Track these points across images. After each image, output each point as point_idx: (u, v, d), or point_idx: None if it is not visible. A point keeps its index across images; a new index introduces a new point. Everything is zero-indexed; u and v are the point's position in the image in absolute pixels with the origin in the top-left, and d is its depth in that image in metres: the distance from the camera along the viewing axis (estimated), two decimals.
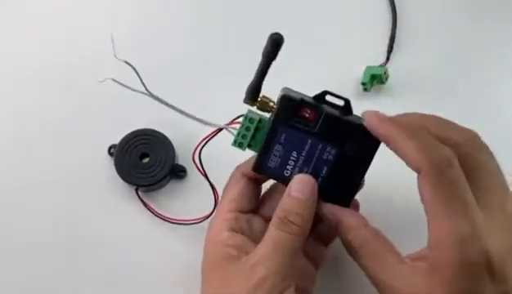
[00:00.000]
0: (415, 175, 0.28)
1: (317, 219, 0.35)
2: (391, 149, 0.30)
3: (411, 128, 0.30)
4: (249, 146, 0.33)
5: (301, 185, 0.32)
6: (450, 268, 0.28)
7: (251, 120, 0.33)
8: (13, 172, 0.42)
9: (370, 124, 0.31)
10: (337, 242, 0.40)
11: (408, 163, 0.29)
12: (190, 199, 0.41)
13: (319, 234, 0.37)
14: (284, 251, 0.31)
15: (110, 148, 0.42)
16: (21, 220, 0.41)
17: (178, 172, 0.41)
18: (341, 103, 0.32)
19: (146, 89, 0.34)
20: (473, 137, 0.31)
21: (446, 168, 0.28)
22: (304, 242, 0.32)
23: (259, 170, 0.33)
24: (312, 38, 0.46)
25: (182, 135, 0.41)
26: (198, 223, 0.38)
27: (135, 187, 0.40)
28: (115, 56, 0.34)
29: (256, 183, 0.36)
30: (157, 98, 0.34)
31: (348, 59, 0.45)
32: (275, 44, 0.31)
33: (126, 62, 0.34)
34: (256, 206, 0.36)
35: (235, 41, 0.46)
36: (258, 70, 0.32)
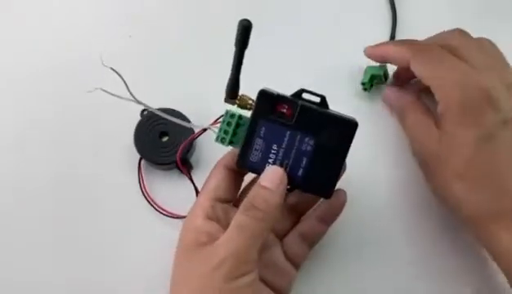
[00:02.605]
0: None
1: (298, 217, 0.37)
2: (390, 62, 0.40)
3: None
4: (231, 143, 0.34)
5: (270, 175, 0.33)
6: (455, 106, 0.34)
7: (232, 116, 0.34)
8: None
9: (368, 50, 0.41)
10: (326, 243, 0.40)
11: (400, 61, 0.38)
12: (181, 194, 0.41)
13: (301, 234, 0.37)
14: (245, 235, 0.31)
15: (144, 110, 0.42)
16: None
17: (183, 165, 0.41)
18: (318, 100, 0.33)
19: (132, 95, 0.34)
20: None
21: (427, 46, 0.38)
22: (269, 233, 0.34)
23: (242, 165, 0.34)
24: (312, 38, 0.46)
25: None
26: (173, 217, 0.40)
27: (139, 156, 0.41)
28: (103, 63, 0.34)
29: (237, 175, 0.37)
30: (142, 103, 0.35)
31: (347, 59, 0.45)
32: (244, 31, 0.30)
33: (112, 69, 0.34)
34: (236, 197, 0.37)
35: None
36: (233, 64, 0.32)
